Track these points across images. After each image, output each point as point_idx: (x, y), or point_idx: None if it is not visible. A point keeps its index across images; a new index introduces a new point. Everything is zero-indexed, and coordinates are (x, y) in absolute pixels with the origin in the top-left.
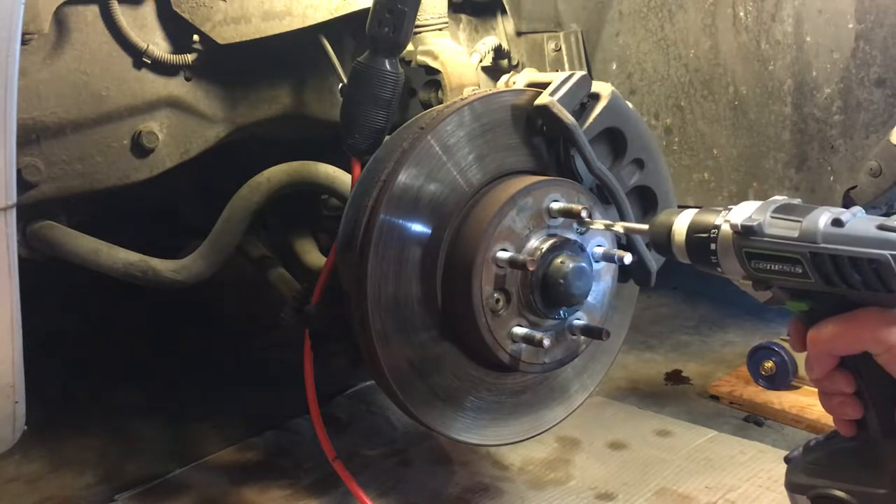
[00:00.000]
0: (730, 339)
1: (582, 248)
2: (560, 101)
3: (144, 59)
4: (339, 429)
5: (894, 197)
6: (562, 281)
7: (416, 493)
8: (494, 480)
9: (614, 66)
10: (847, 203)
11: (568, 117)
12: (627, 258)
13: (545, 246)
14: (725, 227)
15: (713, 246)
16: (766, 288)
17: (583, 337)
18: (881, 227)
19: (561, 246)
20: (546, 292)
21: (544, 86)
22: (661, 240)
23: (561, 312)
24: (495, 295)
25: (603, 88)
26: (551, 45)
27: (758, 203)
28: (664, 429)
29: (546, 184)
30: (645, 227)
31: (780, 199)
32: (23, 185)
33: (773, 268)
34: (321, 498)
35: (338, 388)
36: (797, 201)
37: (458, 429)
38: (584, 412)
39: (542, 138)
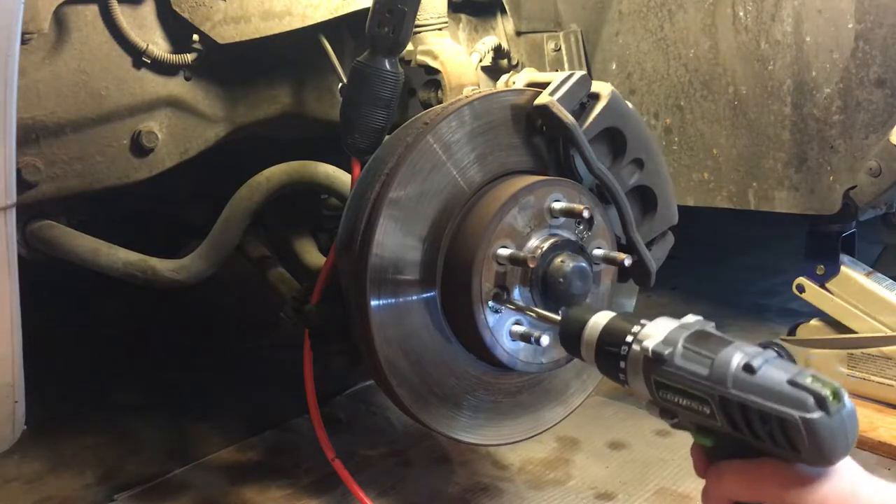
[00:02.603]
0: None
1: (582, 249)
2: (560, 100)
3: (144, 59)
4: (339, 429)
5: (894, 197)
6: (562, 280)
7: (416, 493)
8: (494, 480)
9: (614, 66)
10: (847, 203)
11: (568, 117)
12: (627, 261)
13: (546, 245)
14: (636, 348)
15: (622, 364)
16: (672, 417)
17: None
18: (792, 383)
19: (561, 245)
20: (546, 291)
21: (544, 86)
22: (571, 337)
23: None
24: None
25: (603, 88)
26: (551, 45)
27: (674, 323)
28: (664, 429)
29: (548, 183)
30: (557, 317)
31: (693, 320)
32: (23, 184)
33: (680, 402)
34: (321, 498)
35: (338, 388)
36: (711, 326)
37: (457, 428)
38: (583, 412)
39: (541, 138)
